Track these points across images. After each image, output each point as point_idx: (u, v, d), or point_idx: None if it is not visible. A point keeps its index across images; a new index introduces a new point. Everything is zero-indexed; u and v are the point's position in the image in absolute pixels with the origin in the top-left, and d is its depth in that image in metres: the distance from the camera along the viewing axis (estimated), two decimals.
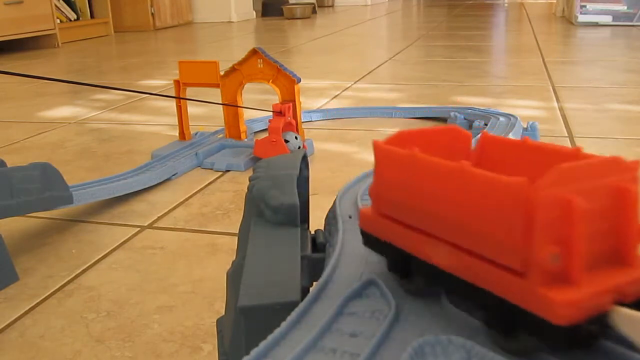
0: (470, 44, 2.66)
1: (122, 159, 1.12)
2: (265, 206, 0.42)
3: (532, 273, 0.23)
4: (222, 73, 1.08)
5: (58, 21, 3.15)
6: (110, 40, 3.40)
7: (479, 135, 0.32)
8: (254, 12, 4.74)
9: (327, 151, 1.12)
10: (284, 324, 0.28)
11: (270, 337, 0.27)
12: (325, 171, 1.01)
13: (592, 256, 0.23)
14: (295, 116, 1.05)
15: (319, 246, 0.42)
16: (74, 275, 0.68)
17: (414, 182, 0.28)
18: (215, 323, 0.50)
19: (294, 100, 1.04)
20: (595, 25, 3.15)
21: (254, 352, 0.26)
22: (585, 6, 3.20)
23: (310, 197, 0.48)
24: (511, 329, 0.24)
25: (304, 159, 0.47)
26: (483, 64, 2.09)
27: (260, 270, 0.35)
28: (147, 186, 0.94)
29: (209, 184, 0.97)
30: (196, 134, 1.16)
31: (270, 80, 1.05)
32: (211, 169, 1.04)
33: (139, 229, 0.81)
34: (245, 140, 1.13)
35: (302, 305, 0.30)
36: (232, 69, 1.07)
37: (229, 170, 1.03)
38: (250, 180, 0.45)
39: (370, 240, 0.33)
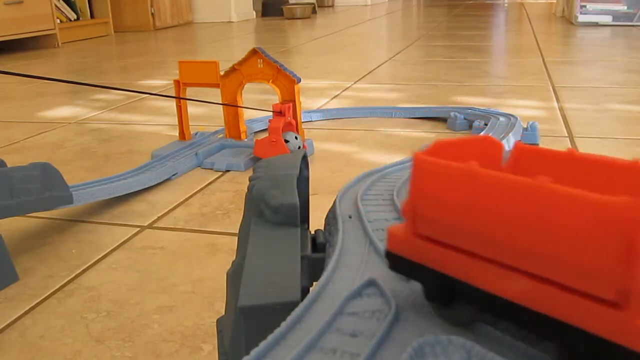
0: (470, 44, 2.66)
1: (122, 159, 1.12)
2: (265, 206, 0.42)
3: (630, 304, 0.20)
4: (222, 73, 1.08)
5: (58, 21, 3.15)
6: (110, 40, 3.40)
7: (512, 145, 0.30)
8: (254, 12, 4.74)
9: (327, 151, 1.12)
10: (284, 324, 0.28)
11: (270, 337, 0.27)
12: (325, 171, 1.01)
13: None
14: (295, 116, 1.05)
15: (319, 246, 0.42)
16: (74, 275, 0.68)
17: (472, 200, 0.25)
18: (215, 323, 0.50)
19: (294, 100, 1.04)
20: (595, 25, 3.15)
21: (254, 352, 0.26)
22: (585, 6, 3.20)
23: (310, 197, 0.48)
24: None
25: (304, 159, 0.47)
26: (483, 64, 2.09)
27: (260, 270, 0.35)
28: (147, 186, 0.94)
29: (209, 184, 0.97)
30: (196, 134, 1.16)
31: (270, 80, 1.05)
32: (211, 169, 1.04)
33: (139, 229, 0.81)
34: (245, 140, 1.13)
35: (302, 305, 0.30)
36: (232, 69, 1.07)
37: (229, 170, 1.03)
38: (250, 180, 0.45)
39: (401, 264, 0.29)
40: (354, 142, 1.17)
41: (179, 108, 1.11)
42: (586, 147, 1.08)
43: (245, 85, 1.09)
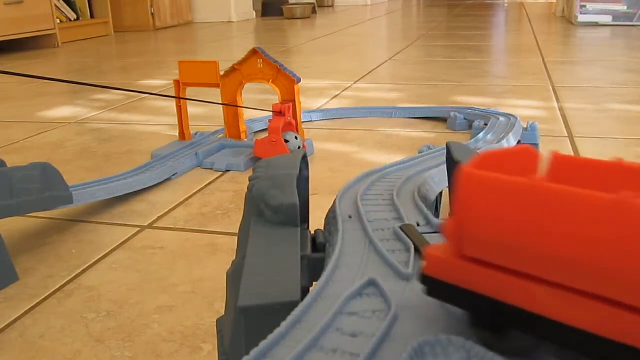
0: (470, 44, 2.66)
1: (122, 159, 1.12)
2: (265, 206, 0.42)
3: None
4: (222, 73, 1.08)
5: (58, 21, 3.15)
6: (110, 40, 3.40)
7: (549, 155, 0.27)
8: (254, 12, 4.74)
9: (327, 151, 1.12)
10: (284, 324, 0.28)
11: (270, 337, 0.27)
12: (325, 171, 1.01)
13: None
14: (295, 116, 1.05)
15: (319, 246, 0.42)
16: (74, 275, 0.68)
17: (538, 218, 0.22)
18: (215, 323, 0.50)
19: (294, 100, 1.04)
20: (595, 25, 3.15)
21: (254, 352, 0.26)
22: (585, 6, 3.20)
23: (310, 197, 0.48)
24: None
25: (304, 159, 0.47)
26: (483, 64, 2.09)
27: (260, 270, 0.35)
28: (147, 186, 0.94)
29: (209, 184, 0.97)
30: (196, 134, 1.16)
31: (270, 80, 1.05)
32: (211, 169, 1.04)
33: (139, 229, 0.81)
34: (245, 140, 1.13)
35: (302, 305, 0.30)
36: (232, 69, 1.07)
37: (229, 170, 1.03)
38: (250, 180, 0.45)
39: (442, 289, 0.27)
40: (354, 142, 1.17)
41: (179, 108, 1.11)
42: (586, 147, 1.08)
43: (245, 85, 1.09)
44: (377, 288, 0.32)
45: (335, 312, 0.29)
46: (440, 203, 0.69)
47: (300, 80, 1.04)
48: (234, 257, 0.44)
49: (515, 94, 1.56)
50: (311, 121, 1.36)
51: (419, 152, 0.80)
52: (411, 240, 0.38)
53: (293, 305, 0.30)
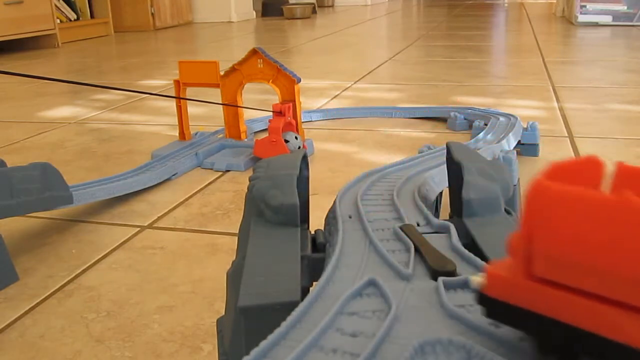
0: (470, 44, 2.66)
1: (122, 159, 1.12)
2: (265, 206, 0.42)
3: None
4: (222, 73, 1.08)
5: (58, 21, 3.15)
6: (110, 40, 3.40)
7: (614, 166, 0.25)
8: (254, 12, 4.74)
9: (327, 151, 1.12)
10: (284, 324, 0.28)
11: (270, 337, 0.27)
12: (325, 171, 1.01)
13: None
14: (295, 116, 1.05)
15: (319, 246, 0.42)
16: (74, 275, 0.68)
17: (621, 237, 0.20)
18: (215, 323, 0.50)
19: (294, 100, 1.04)
20: (595, 25, 3.15)
21: (254, 352, 0.26)
22: (585, 6, 3.20)
23: (310, 197, 0.48)
24: None
25: (304, 159, 0.47)
26: (483, 64, 2.09)
27: (260, 270, 0.35)
28: (147, 186, 0.94)
29: (209, 184, 0.97)
30: (196, 134, 1.16)
31: (270, 80, 1.05)
32: (211, 169, 1.04)
33: (139, 229, 0.81)
34: (245, 140, 1.13)
35: (302, 305, 0.30)
36: (232, 69, 1.07)
37: (229, 170, 1.03)
38: (250, 180, 0.45)
39: (505, 311, 0.24)
40: (354, 142, 1.17)
41: (179, 108, 1.11)
42: (586, 147, 1.08)
43: (245, 85, 1.09)
44: (377, 288, 0.32)
45: (335, 312, 0.29)
46: (440, 203, 0.69)
47: (300, 80, 1.04)
48: (234, 257, 0.44)
49: (515, 94, 1.56)
50: (311, 121, 1.36)
51: (419, 152, 0.80)
52: (411, 240, 0.38)
53: (293, 305, 0.30)
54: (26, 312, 0.61)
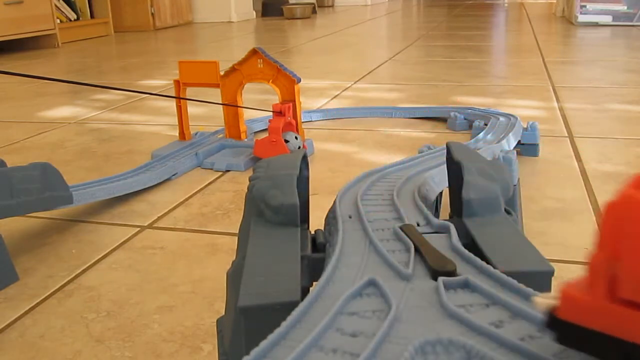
0: (470, 44, 2.66)
1: (122, 159, 1.12)
2: (265, 206, 0.42)
3: None
4: (222, 73, 1.08)
5: (58, 21, 3.15)
6: (110, 40, 3.40)
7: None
8: (254, 12, 4.74)
9: (327, 151, 1.12)
10: (284, 324, 0.28)
11: (270, 337, 0.27)
12: (325, 171, 1.01)
13: None
14: (295, 116, 1.05)
15: (319, 246, 0.42)
16: (74, 275, 0.68)
17: None
18: (215, 323, 0.50)
19: (294, 100, 1.04)
20: (595, 25, 3.15)
21: (254, 352, 0.26)
22: (585, 6, 3.20)
23: (310, 197, 0.48)
24: None
25: (304, 159, 0.47)
26: (483, 64, 2.09)
27: (260, 270, 0.35)
28: (147, 186, 0.94)
29: (209, 184, 0.97)
30: (196, 134, 1.16)
31: (270, 80, 1.05)
32: (211, 169, 1.04)
33: (139, 229, 0.81)
34: (245, 140, 1.13)
35: (302, 305, 0.30)
36: (232, 69, 1.07)
37: (229, 170, 1.03)
38: (250, 180, 0.45)
39: (583, 337, 0.22)
40: (354, 142, 1.17)
41: (179, 108, 1.11)
42: (586, 147, 1.08)
43: (245, 85, 1.09)
44: (377, 288, 0.32)
45: (335, 312, 0.29)
46: (440, 203, 0.69)
47: (300, 80, 1.04)
48: (234, 257, 0.44)
49: (515, 94, 1.56)
50: (311, 121, 1.36)
51: (419, 152, 0.80)
52: (411, 240, 0.38)
53: (293, 305, 0.30)
54: (26, 312, 0.61)
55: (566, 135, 1.17)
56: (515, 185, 0.79)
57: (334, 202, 0.46)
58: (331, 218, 0.44)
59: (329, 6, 5.93)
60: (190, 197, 0.92)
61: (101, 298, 0.63)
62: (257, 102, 1.56)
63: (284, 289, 0.33)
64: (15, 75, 0.54)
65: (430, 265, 0.34)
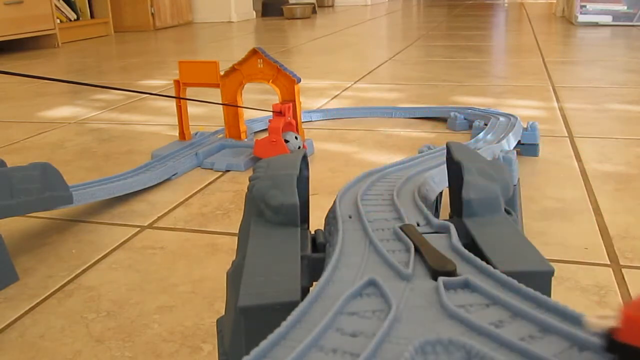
0: (470, 44, 2.66)
1: (122, 159, 1.12)
2: (265, 206, 0.42)
3: None
4: (222, 73, 1.08)
5: (58, 21, 3.15)
6: (110, 40, 3.40)
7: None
8: (254, 12, 4.74)
9: (327, 151, 1.12)
10: (284, 324, 0.28)
11: (270, 337, 0.27)
12: (325, 171, 1.01)
13: None
14: (295, 116, 1.05)
15: (319, 246, 0.42)
16: (74, 275, 0.68)
17: None
18: (215, 323, 0.50)
19: (294, 100, 1.04)
20: (595, 25, 3.15)
21: (254, 352, 0.26)
22: (585, 6, 3.20)
23: (310, 197, 0.48)
24: None
25: (304, 159, 0.47)
26: (483, 64, 2.09)
27: (260, 270, 0.35)
28: (147, 186, 0.94)
29: (209, 184, 0.97)
30: (196, 134, 1.16)
31: (270, 80, 1.05)
32: (211, 169, 1.04)
33: (139, 229, 0.81)
34: (245, 140, 1.13)
35: (302, 305, 0.30)
36: (232, 69, 1.07)
37: (229, 170, 1.03)
38: (250, 180, 0.45)
39: None
40: (354, 142, 1.17)
41: (179, 108, 1.11)
42: (586, 147, 1.08)
43: (245, 85, 1.09)
44: (377, 288, 0.32)
45: (335, 312, 0.29)
46: (440, 203, 0.69)
47: (300, 80, 1.04)
48: (234, 257, 0.44)
49: (515, 94, 1.56)
50: (311, 121, 1.36)
51: (419, 152, 0.80)
52: (411, 240, 0.38)
53: (293, 305, 0.30)
54: (26, 312, 0.61)
55: (566, 135, 1.17)
56: (515, 185, 0.79)
57: (334, 202, 0.46)
58: (331, 218, 0.44)
59: (329, 6, 5.93)
60: (190, 197, 0.92)
61: (101, 298, 0.63)
62: (257, 102, 1.56)
63: (284, 289, 0.33)
64: (15, 75, 0.54)
65: (430, 265, 0.34)
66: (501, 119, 1.08)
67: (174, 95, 1.10)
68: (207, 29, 3.90)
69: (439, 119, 1.31)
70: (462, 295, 0.31)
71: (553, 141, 1.12)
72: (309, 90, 1.71)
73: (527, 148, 1.03)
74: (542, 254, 0.37)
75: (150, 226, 0.81)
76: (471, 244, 0.39)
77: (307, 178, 0.47)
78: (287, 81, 1.04)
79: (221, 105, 1.10)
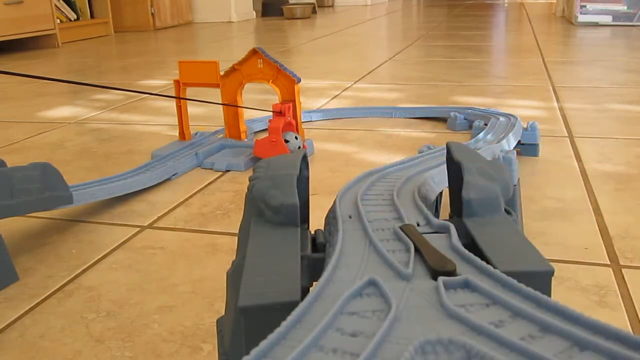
0: (470, 44, 2.66)
1: (122, 159, 1.12)
2: (265, 206, 0.42)
3: None
4: (222, 73, 1.08)
5: (58, 21, 3.15)
6: (110, 40, 3.40)
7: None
8: (254, 12, 4.74)
9: (327, 151, 1.12)
10: (284, 324, 0.28)
11: (270, 337, 0.27)
12: (325, 171, 1.01)
13: None
14: (295, 116, 1.05)
15: (319, 246, 0.42)
16: (74, 275, 0.68)
17: None
18: (215, 323, 0.50)
19: (294, 100, 1.04)
20: (595, 25, 3.15)
21: (254, 352, 0.26)
22: (585, 6, 3.20)
23: (310, 197, 0.48)
24: None
25: (304, 159, 0.47)
26: (483, 64, 2.09)
27: (260, 270, 0.35)
28: (147, 186, 0.94)
29: (209, 184, 0.97)
30: (196, 134, 1.16)
31: (270, 80, 1.05)
32: (211, 169, 1.04)
33: (139, 229, 0.81)
34: (245, 140, 1.13)
35: (302, 305, 0.30)
36: (232, 69, 1.07)
37: (229, 170, 1.03)
38: (250, 180, 0.45)
39: None
40: (354, 142, 1.17)
41: (179, 108, 1.11)
42: (586, 147, 1.08)
43: (245, 85, 1.09)
44: (377, 288, 0.32)
45: (335, 312, 0.29)
46: (440, 203, 0.69)
47: (300, 80, 1.04)
48: (234, 257, 0.44)
49: (515, 94, 1.56)
50: (311, 121, 1.36)
51: (419, 152, 0.80)
52: (411, 240, 0.38)
53: (293, 305, 0.30)
54: (26, 312, 0.61)
55: (566, 135, 1.17)
56: (515, 185, 0.79)
57: (334, 202, 0.46)
58: (331, 218, 0.44)
59: (329, 6, 5.93)
60: (190, 197, 0.92)
61: (101, 298, 0.63)
62: (257, 102, 1.56)
63: (284, 289, 0.33)
64: (15, 75, 0.54)
65: (430, 265, 0.34)
66: (501, 119, 1.08)
67: (174, 95, 1.10)
68: (207, 29, 3.90)
69: (439, 119, 1.31)
70: (462, 295, 0.31)
71: (553, 141, 1.12)
72: (309, 90, 1.71)
73: (527, 148, 1.03)
74: (542, 254, 0.37)
75: (150, 226, 0.81)
76: (471, 244, 0.39)
77: (307, 178, 0.47)
78: (287, 81, 1.04)
79: (221, 105, 1.10)
